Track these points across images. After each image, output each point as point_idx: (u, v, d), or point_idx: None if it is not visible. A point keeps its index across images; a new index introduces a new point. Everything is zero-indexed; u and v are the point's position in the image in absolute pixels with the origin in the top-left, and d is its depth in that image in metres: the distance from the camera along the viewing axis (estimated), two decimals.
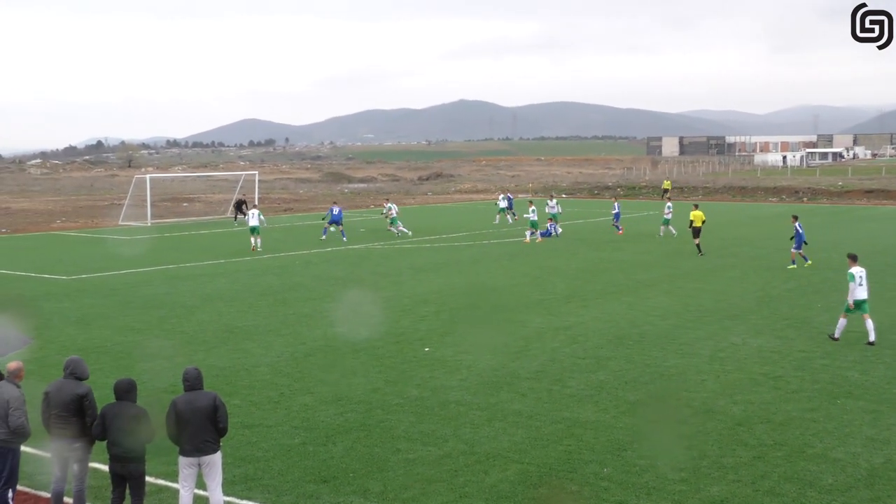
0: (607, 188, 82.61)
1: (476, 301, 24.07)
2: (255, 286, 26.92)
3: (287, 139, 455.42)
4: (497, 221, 48.41)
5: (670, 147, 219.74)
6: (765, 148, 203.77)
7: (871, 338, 18.22)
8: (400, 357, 17.49)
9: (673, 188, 73.81)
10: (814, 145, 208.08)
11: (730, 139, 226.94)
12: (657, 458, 11.76)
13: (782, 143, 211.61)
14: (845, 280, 18.61)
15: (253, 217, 38.12)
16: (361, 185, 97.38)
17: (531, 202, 41.85)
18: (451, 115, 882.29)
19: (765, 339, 18.90)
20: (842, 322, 18.65)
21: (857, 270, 18.42)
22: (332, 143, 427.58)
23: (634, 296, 24.63)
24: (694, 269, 29.92)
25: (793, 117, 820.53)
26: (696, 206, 36.05)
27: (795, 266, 29.51)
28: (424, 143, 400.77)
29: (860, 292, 18.29)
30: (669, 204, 41.44)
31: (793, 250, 29.94)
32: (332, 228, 40.51)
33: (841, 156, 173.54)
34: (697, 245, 33.75)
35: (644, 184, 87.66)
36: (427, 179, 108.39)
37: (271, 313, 22.29)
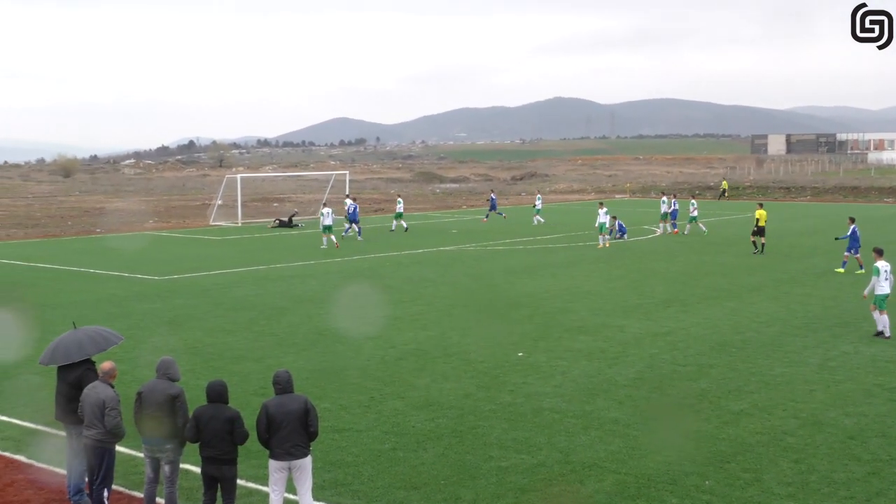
0: (709, 188, 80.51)
1: (571, 305, 23.62)
2: (345, 288, 27.04)
3: (378, 138, 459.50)
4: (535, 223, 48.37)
5: (776, 145, 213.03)
6: (879, 146, 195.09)
7: (887, 333, 18.54)
8: (492, 362, 17.22)
9: (779, 188, 71.60)
10: None
11: (841, 136, 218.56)
12: (762, 471, 11.31)
13: None
14: None
15: (327, 216, 38.34)
16: (454, 185, 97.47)
17: (602, 203, 40.81)
18: (545, 112, 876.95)
19: (879, 348, 18.01)
20: (884, 319, 18.78)
21: (883, 265, 18.86)
22: (423, 141, 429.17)
23: (738, 301, 23.84)
24: (801, 274, 28.84)
25: None
26: (761, 206, 35.86)
27: (844, 270, 28.83)
28: (518, 141, 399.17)
29: (885, 287, 18.68)
30: (694, 201, 43.64)
31: (853, 254, 29.14)
32: (346, 226, 40.72)
33: None
34: (761, 244, 33.83)
35: (748, 183, 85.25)
36: (521, 179, 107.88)
37: (361, 316, 22.27)
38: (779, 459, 11.75)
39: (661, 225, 43.75)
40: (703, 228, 42.36)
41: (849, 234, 29.32)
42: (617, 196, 77.71)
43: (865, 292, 19.30)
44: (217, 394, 9.56)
